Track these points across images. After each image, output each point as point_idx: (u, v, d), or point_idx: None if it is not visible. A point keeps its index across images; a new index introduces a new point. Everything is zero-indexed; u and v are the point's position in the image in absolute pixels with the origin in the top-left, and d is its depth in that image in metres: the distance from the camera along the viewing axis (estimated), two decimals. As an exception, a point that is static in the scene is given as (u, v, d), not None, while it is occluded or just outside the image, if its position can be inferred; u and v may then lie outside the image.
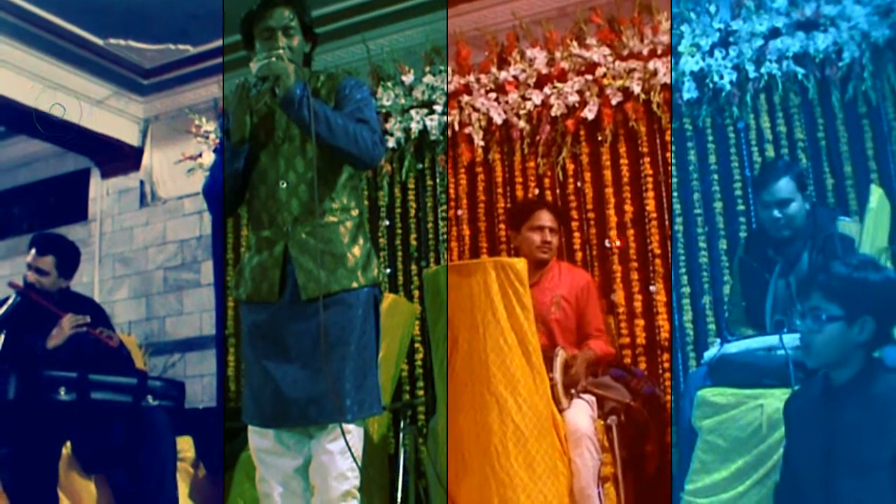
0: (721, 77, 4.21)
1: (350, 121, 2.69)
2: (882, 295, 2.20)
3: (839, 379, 2.23)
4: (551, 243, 3.86)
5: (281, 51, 2.64)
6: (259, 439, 2.74)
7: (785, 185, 3.39)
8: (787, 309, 3.22)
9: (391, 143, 4.81)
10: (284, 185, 2.74)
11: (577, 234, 4.46)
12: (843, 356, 2.21)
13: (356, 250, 2.75)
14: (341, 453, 2.63)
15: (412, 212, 4.85)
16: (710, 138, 4.29)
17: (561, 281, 3.82)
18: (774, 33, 4.15)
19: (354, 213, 2.81)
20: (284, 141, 2.78)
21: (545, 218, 3.87)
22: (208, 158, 5.41)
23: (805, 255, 3.33)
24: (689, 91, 4.27)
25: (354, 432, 2.66)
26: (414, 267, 4.79)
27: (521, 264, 3.28)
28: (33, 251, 3.98)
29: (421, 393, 4.56)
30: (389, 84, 4.88)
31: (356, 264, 2.73)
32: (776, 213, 3.39)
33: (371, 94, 3.04)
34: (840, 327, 2.20)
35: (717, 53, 4.23)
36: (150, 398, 3.91)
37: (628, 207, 4.37)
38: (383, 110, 4.83)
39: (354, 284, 2.71)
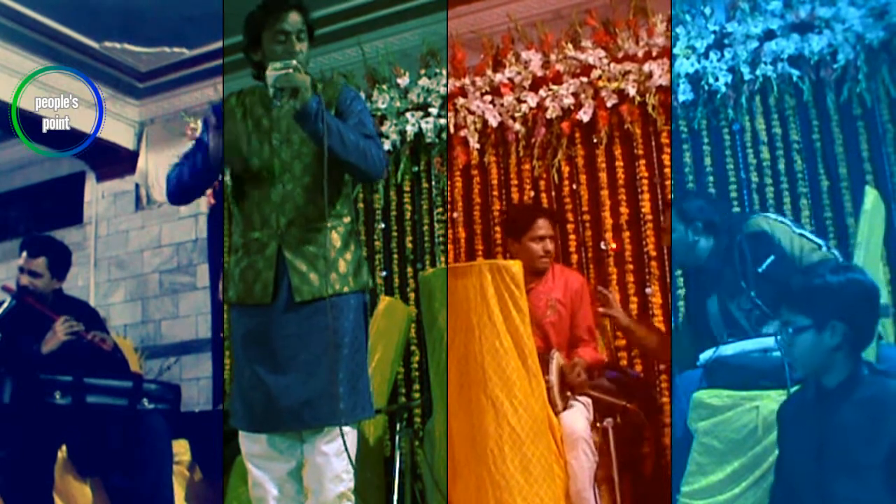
0: (716, 79, 4.22)
1: (360, 136, 2.70)
2: (846, 296, 2.21)
3: (830, 383, 2.24)
4: (551, 252, 3.84)
5: (295, 61, 2.61)
6: (251, 444, 2.74)
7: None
8: (732, 327, 3.24)
9: (386, 145, 4.81)
10: (280, 187, 2.74)
11: (572, 237, 4.46)
12: (822, 363, 2.23)
13: (348, 256, 2.76)
14: (337, 455, 2.64)
15: (408, 214, 4.85)
16: (706, 140, 4.30)
17: (556, 284, 3.82)
18: (769, 35, 4.16)
19: (347, 219, 2.82)
20: (282, 144, 2.77)
21: (545, 227, 3.83)
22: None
23: (727, 272, 3.37)
24: (684, 93, 4.28)
25: (349, 434, 2.66)
26: (410, 270, 4.79)
27: (516, 267, 3.28)
28: (25, 254, 3.98)
29: (417, 395, 4.56)
30: (385, 87, 4.88)
31: (348, 270, 2.74)
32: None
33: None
34: (811, 336, 2.21)
35: (712, 55, 4.24)
36: (145, 401, 3.90)
37: (624, 210, 4.37)
38: (378, 113, 4.83)
39: (346, 289, 2.71)
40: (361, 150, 2.68)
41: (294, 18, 2.76)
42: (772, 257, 3.28)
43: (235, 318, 2.81)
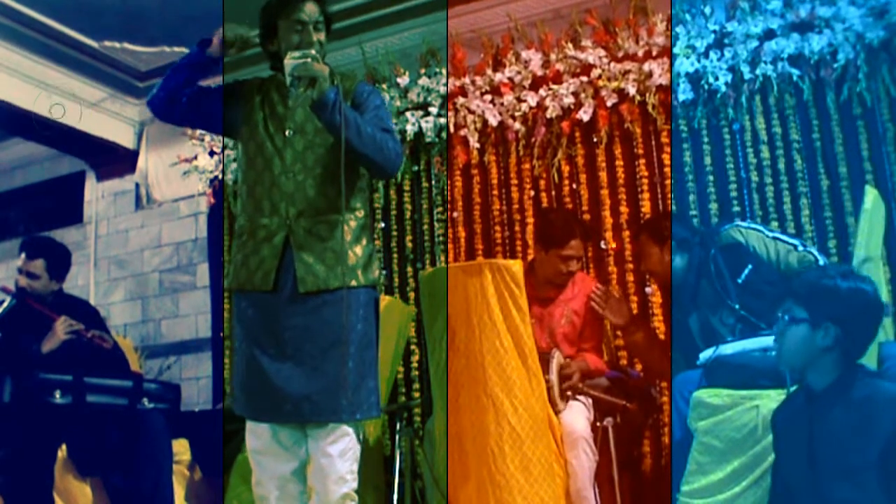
0: (716, 78, 4.22)
1: (377, 130, 2.69)
2: (849, 302, 2.21)
3: (818, 385, 2.25)
4: (573, 273, 3.72)
5: (314, 51, 2.60)
6: (254, 440, 2.73)
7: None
8: (714, 339, 3.23)
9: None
10: (292, 177, 2.73)
11: (572, 236, 4.46)
12: (809, 360, 2.23)
13: (358, 249, 2.74)
14: (340, 456, 2.63)
15: (408, 214, 4.85)
16: (706, 140, 4.30)
17: (575, 294, 3.74)
18: (769, 35, 4.16)
19: (360, 213, 2.80)
20: (296, 133, 2.76)
21: (576, 248, 3.68)
22: (203, 161, 5.41)
23: (703, 285, 3.37)
24: (684, 92, 4.28)
25: (351, 434, 2.65)
26: (410, 269, 4.79)
27: (516, 266, 3.27)
28: (24, 255, 3.97)
29: (417, 395, 4.56)
30: (385, 86, 4.88)
31: (357, 263, 2.72)
32: None
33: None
34: (804, 330, 2.22)
35: (712, 55, 4.24)
36: (145, 401, 3.90)
37: (624, 209, 4.37)
38: (378, 112, 4.83)
39: (354, 283, 2.69)
40: (378, 144, 2.67)
41: (311, 8, 2.76)
42: (749, 267, 3.28)
43: (237, 303, 2.78)
